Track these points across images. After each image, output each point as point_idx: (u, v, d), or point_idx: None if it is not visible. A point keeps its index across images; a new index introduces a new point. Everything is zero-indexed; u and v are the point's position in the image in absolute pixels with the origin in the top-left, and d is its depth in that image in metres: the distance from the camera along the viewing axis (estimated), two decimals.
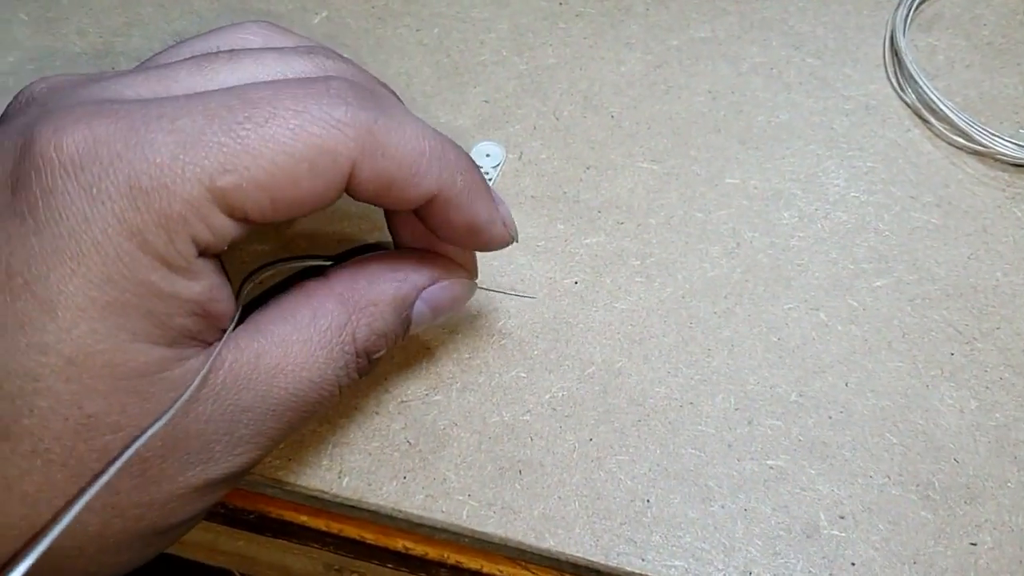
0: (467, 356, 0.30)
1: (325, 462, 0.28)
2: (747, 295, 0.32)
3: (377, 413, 0.29)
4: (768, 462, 0.28)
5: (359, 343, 0.23)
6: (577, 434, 0.28)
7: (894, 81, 0.39)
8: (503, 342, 0.30)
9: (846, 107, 0.39)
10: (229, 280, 0.24)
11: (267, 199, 0.20)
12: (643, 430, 0.29)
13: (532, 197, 0.34)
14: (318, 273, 0.25)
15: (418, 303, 0.25)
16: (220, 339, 0.21)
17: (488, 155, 0.35)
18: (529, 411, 0.29)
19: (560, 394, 0.29)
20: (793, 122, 0.37)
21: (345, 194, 0.22)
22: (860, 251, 0.33)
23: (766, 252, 0.33)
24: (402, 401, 0.29)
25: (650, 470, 0.28)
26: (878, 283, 0.32)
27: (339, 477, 0.28)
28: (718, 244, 0.33)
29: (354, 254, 0.27)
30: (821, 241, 0.33)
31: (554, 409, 0.29)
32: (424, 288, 0.25)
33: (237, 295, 0.25)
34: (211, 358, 0.21)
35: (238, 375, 0.21)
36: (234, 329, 0.22)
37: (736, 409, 0.29)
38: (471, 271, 0.27)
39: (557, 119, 0.37)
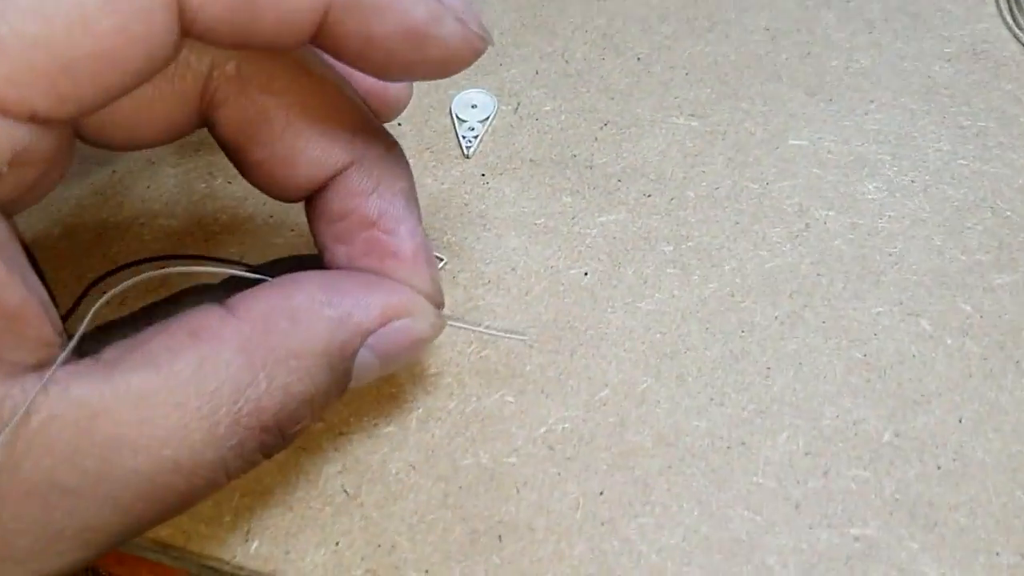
0: (433, 371, 0.26)
1: (227, 518, 0.24)
2: (820, 294, 0.28)
3: (304, 449, 0.25)
4: (852, 531, 0.23)
5: (267, 414, 0.19)
6: (582, 485, 0.24)
7: (1008, 18, 0.34)
8: (484, 352, 0.26)
9: (946, 51, 0.34)
10: (39, 272, 0.19)
11: (56, 68, 0.16)
12: (675, 482, 0.24)
13: (530, 161, 0.31)
14: (215, 296, 0.21)
15: (363, 351, 0.21)
16: (39, 373, 0.17)
17: (474, 106, 0.32)
18: (516, 451, 0.25)
19: (560, 428, 0.25)
20: (877, 69, 0.33)
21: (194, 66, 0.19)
22: (973, 237, 0.29)
23: (845, 236, 0.29)
24: (340, 433, 0.25)
25: (684, 540, 0.23)
26: (999, 280, 0.28)
27: (246, 540, 0.24)
28: (780, 225, 0.29)
29: (281, 270, 0.22)
30: (920, 223, 0.29)
31: (551, 448, 0.25)
32: (372, 331, 0.21)
33: (75, 304, 0.20)
34: (16, 404, 0.16)
35: (57, 438, 0.17)
36: (66, 362, 0.18)
37: (807, 454, 0.25)
38: (435, 296, 0.23)
39: (567, 62, 0.33)
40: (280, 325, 0.19)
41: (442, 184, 0.30)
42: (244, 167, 0.22)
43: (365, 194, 0.22)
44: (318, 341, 0.20)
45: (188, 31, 0.17)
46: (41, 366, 0.17)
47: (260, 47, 0.19)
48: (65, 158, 0.19)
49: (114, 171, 0.30)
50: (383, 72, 0.20)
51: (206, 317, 0.19)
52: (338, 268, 0.22)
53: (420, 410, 0.25)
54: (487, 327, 0.27)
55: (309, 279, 0.21)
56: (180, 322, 0.19)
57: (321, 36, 0.19)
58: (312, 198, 0.23)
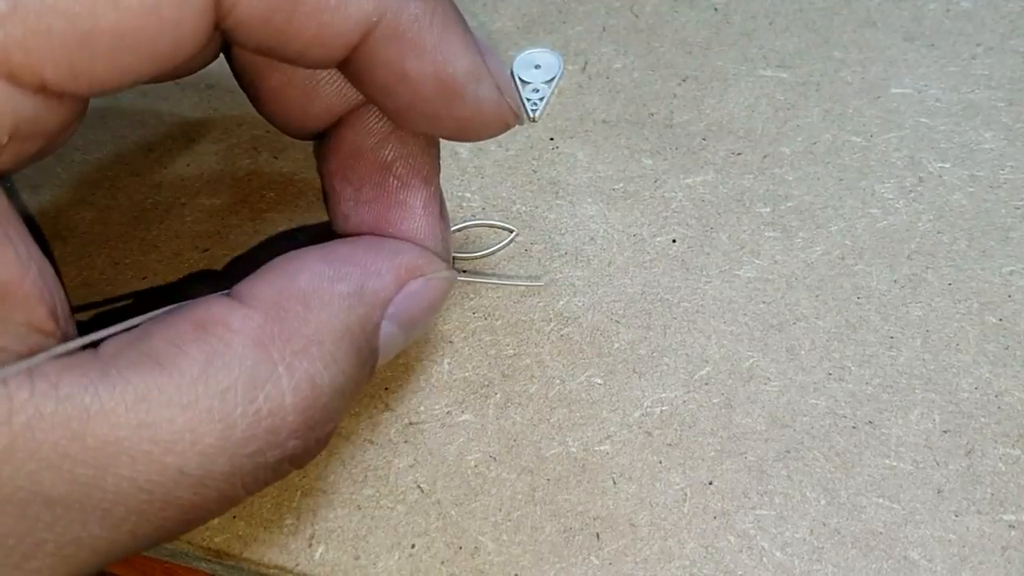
0: (511, 352, 0.24)
1: (289, 521, 0.22)
2: (943, 254, 0.25)
3: (371, 442, 0.23)
4: (1005, 517, 0.21)
5: (293, 413, 0.17)
6: (689, 474, 0.22)
7: None
8: (565, 330, 0.24)
9: None
10: (47, 251, 0.18)
11: (74, 38, 0.15)
12: (795, 468, 0.22)
13: (603, 122, 0.29)
14: (219, 284, 0.20)
15: (385, 324, 0.19)
16: (24, 358, 0.15)
17: (537, 66, 0.30)
18: (610, 438, 0.23)
19: (658, 411, 0.23)
20: (980, 11, 0.31)
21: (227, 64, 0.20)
22: None
23: (964, 190, 0.26)
24: (410, 423, 0.23)
25: (811, 533, 0.21)
26: None
27: (310, 545, 0.21)
28: (890, 180, 0.27)
29: (255, 260, 0.21)
30: None
31: (649, 434, 0.23)
32: (390, 299, 0.19)
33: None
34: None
35: (43, 441, 0.15)
36: (61, 355, 0.16)
37: (945, 432, 0.22)
38: (444, 253, 0.22)
39: (636, 16, 0.31)
40: (293, 310, 0.18)
41: (507, 151, 0.28)
42: (259, 96, 0.21)
43: (383, 133, 0.20)
44: (337, 322, 0.18)
45: (220, 24, 0.17)
46: (32, 355, 0.15)
47: (287, 59, 0.18)
48: (71, 131, 0.18)
49: (151, 150, 0.29)
50: (404, 115, 0.19)
51: (213, 307, 0.17)
52: (342, 214, 0.21)
53: (498, 395, 0.23)
54: (499, 277, 0.25)
55: (309, 255, 0.19)
56: (183, 314, 0.17)
57: (352, 60, 0.18)
58: (326, 134, 0.21)
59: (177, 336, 0.17)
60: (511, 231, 0.26)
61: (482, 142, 0.28)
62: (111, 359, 0.16)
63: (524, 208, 0.26)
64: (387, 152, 0.21)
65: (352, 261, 0.19)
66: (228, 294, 0.18)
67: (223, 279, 0.25)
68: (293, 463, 0.18)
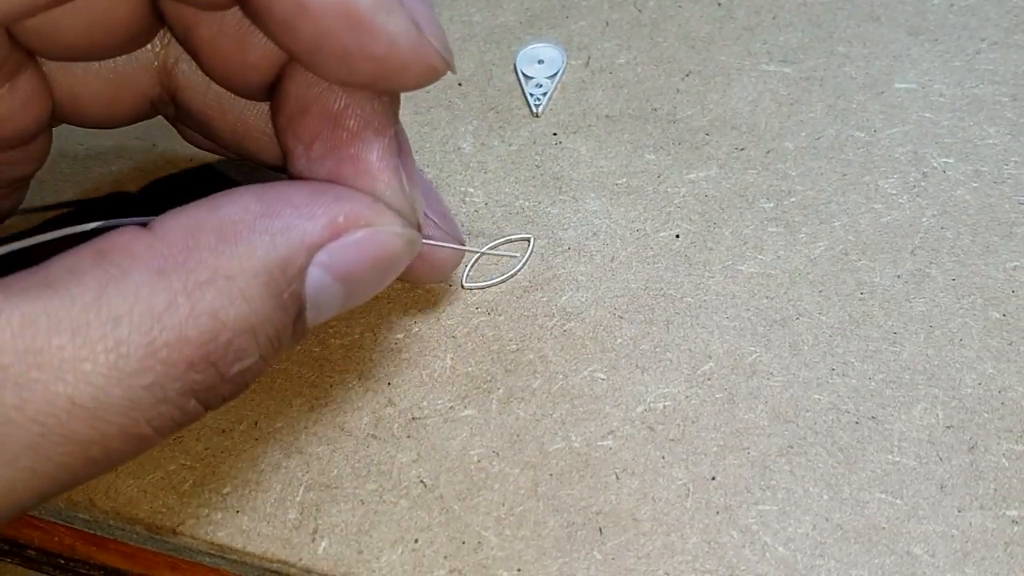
0: (513, 347, 0.24)
1: (292, 515, 0.22)
2: (946, 249, 0.25)
3: (374, 437, 0.23)
4: (1009, 512, 0.21)
5: (192, 345, 0.17)
6: (691, 469, 0.22)
7: None
8: (568, 326, 0.24)
9: None
10: None
11: None
12: (798, 463, 0.22)
13: (606, 117, 0.29)
14: None
15: (314, 270, 0.18)
16: None
17: (540, 61, 0.30)
18: (612, 433, 0.23)
19: (660, 406, 0.23)
20: (984, 5, 0.30)
21: None
22: None
23: (968, 185, 0.26)
24: (413, 418, 0.23)
25: (814, 528, 0.21)
26: None
27: (313, 540, 0.21)
28: (894, 175, 0.27)
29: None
30: None
31: (651, 429, 0.23)
32: (319, 244, 0.18)
33: None
34: None
35: None
36: None
37: (948, 427, 0.22)
38: (404, 208, 0.20)
39: (639, 10, 0.31)
40: (206, 241, 0.17)
41: (510, 146, 0.28)
42: (197, 51, 0.20)
43: (327, 82, 0.19)
44: (252, 258, 0.17)
45: None
46: None
47: None
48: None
49: (155, 144, 0.29)
50: (314, 58, 0.18)
51: (118, 236, 0.17)
52: (297, 174, 0.20)
53: (501, 390, 0.23)
54: (480, 246, 0.25)
55: (246, 191, 0.18)
56: (90, 243, 0.17)
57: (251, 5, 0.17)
58: (274, 90, 0.21)
59: (76, 263, 0.16)
60: (528, 239, 0.25)
61: (485, 137, 0.28)
62: (3, 286, 0.16)
63: (527, 203, 0.26)
64: (334, 103, 0.20)
65: (287, 200, 0.18)
66: (144, 225, 0.18)
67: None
68: (201, 400, 0.17)
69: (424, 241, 0.20)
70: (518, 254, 0.25)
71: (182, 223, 0.17)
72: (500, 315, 0.24)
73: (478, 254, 0.25)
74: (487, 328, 0.24)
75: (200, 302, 0.17)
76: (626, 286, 0.25)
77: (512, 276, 0.25)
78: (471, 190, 0.27)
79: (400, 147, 0.20)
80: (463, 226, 0.26)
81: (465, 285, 0.25)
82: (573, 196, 0.27)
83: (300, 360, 0.24)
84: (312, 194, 0.18)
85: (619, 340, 0.24)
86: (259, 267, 0.17)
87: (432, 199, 0.23)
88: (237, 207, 0.18)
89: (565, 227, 0.26)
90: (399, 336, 0.24)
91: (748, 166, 0.27)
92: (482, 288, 0.25)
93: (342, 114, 0.19)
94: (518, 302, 0.25)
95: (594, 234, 0.26)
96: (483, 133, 0.28)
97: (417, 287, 0.25)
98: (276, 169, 0.22)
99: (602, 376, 0.23)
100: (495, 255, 0.25)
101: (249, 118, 0.22)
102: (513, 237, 0.26)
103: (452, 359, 0.24)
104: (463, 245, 0.23)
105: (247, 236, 0.17)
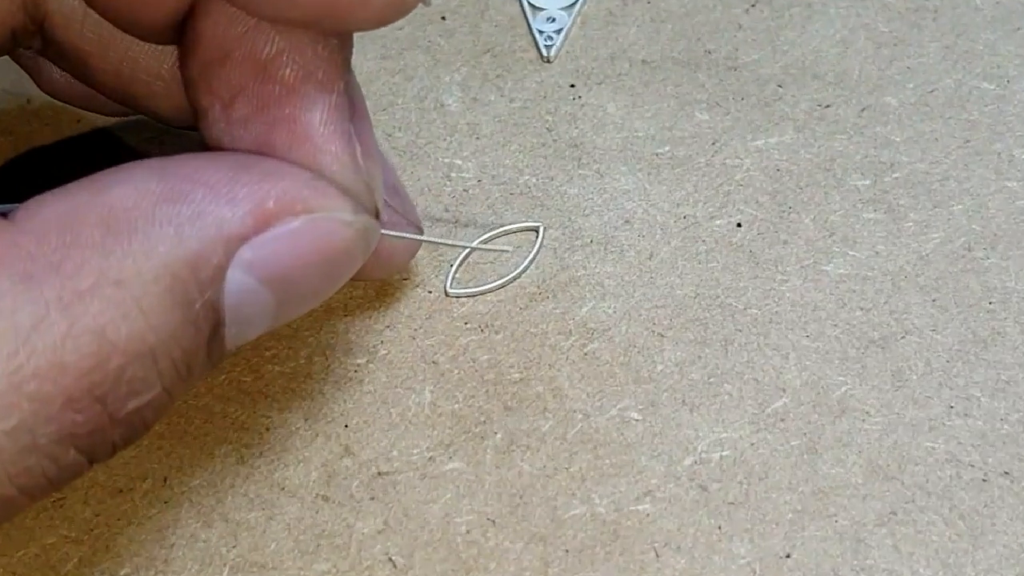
0: (515, 376, 0.25)
1: None
2: None
3: (325, 499, 0.24)
4: None
5: (72, 375, 0.17)
6: (758, 543, 0.23)
7: None
8: (591, 347, 0.25)
9: None
10: None
11: None
12: (904, 535, 0.22)
13: (642, 63, 0.30)
14: None
15: (235, 272, 0.19)
16: None
17: None
18: (651, 493, 0.23)
19: (716, 455, 0.24)
20: None
21: None
22: None
23: None
24: (379, 473, 0.24)
25: None
26: None
27: None
28: None
29: None
30: None
31: (704, 489, 0.23)
32: (244, 237, 0.19)
33: None
34: None
35: None
36: None
37: None
38: (355, 186, 0.21)
39: None
40: (88, 235, 0.18)
41: (512, 101, 0.29)
42: None
43: (253, 19, 0.20)
44: (151, 256, 0.18)
45: None
46: None
47: None
48: None
49: (29, 100, 0.30)
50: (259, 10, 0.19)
51: None
52: (213, 140, 0.21)
53: (499, 435, 0.24)
54: (471, 239, 0.26)
55: (143, 166, 0.19)
56: None
57: None
58: (183, 30, 0.21)
59: None
60: (536, 229, 0.26)
61: (477, 90, 0.29)
62: None
63: (535, 180, 0.27)
64: (263, 47, 0.20)
65: (198, 178, 0.19)
66: (6, 213, 0.18)
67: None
68: (84, 450, 0.18)
69: (384, 232, 0.21)
70: (511, 248, 0.26)
71: (58, 212, 0.18)
72: (498, 332, 0.25)
73: (467, 249, 0.26)
74: (480, 350, 0.25)
75: (81, 317, 0.17)
76: (669, 293, 0.25)
77: (514, 279, 0.25)
78: (458, 162, 0.27)
79: (352, 107, 0.20)
80: (448, 211, 0.27)
81: (450, 291, 0.25)
82: (597, 170, 0.27)
83: (225, 394, 0.25)
84: (233, 170, 0.19)
85: (660, 367, 0.24)
86: (160, 269, 0.18)
87: (386, 170, 0.24)
88: (131, 188, 0.18)
89: (586, 212, 0.27)
90: (359, 361, 0.25)
91: (836, 129, 0.28)
92: (473, 295, 0.25)
93: (275, 62, 0.20)
94: (522, 314, 0.25)
95: (626, 222, 0.26)
96: (475, 84, 0.29)
97: (363, 282, 0.25)
98: (182, 128, 0.23)
99: (636, 416, 0.24)
100: (490, 251, 0.26)
101: (140, 56, 0.22)
102: (515, 226, 0.26)
103: (432, 392, 0.24)
104: (420, 232, 0.24)
105: (144, 228, 0.18)
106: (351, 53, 0.21)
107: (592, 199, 0.27)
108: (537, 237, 0.26)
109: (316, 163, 0.20)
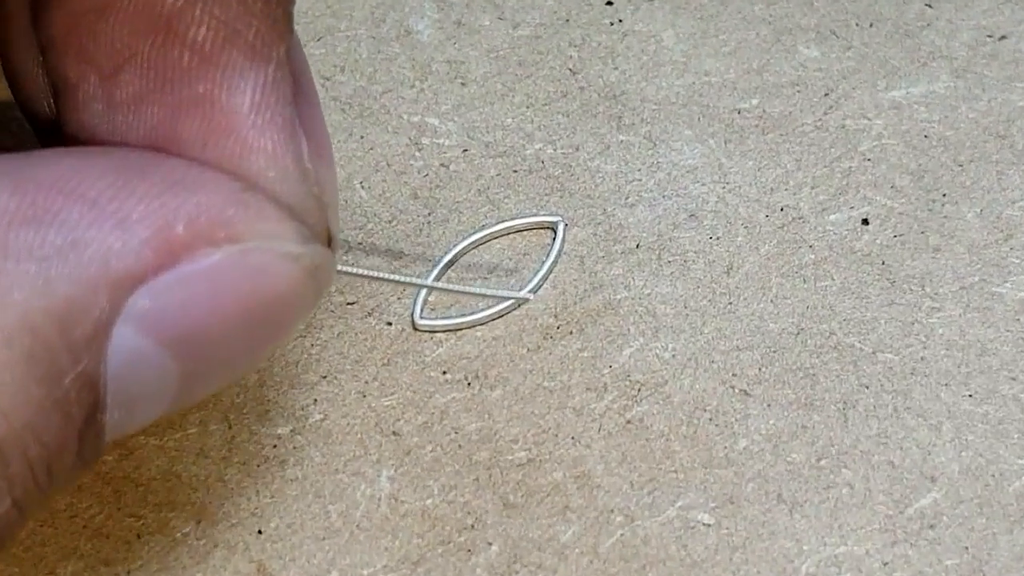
0: (519, 454, 0.25)
1: None
2: None
3: None
4: None
5: None
6: None
7: None
8: (635, 411, 0.25)
9: None
10: None
11: None
12: None
13: None
14: None
15: (123, 330, 0.20)
16: None
17: None
18: None
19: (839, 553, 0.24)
20: None
21: None
22: None
23: None
24: None
25: None
26: None
27: None
28: None
29: None
30: None
31: None
32: (138, 278, 0.19)
33: None
34: None
35: None
36: None
37: None
38: (302, 202, 0.22)
39: None
40: None
41: (516, 27, 0.30)
42: None
43: None
44: (2, 307, 0.19)
45: None
46: None
47: None
48: None
49: None
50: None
51: None
52: (83, 126, 0.22)
53: (494, 547, 0.25)
54: (456, 285, 0.27)
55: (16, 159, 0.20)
56: None
57: None
58: None
59: None
60: (553, 225, 0.27)
61: (462, 11, 0.29)
62: None
63: (551, 151, 0.27)
64: None
65: (71, 189, 0.19)
66: None
67: None
68: None
69: (342, 269, 0.22)
70: (508, 261, 0.26)
71: None
72: (493, 387, 0.25)
73: (444, 258, 0.26)
74: (466, 415, 0.25)
75: None
76: (758, 328, 0.26)
77: (518, 304, 0.26)
78: (433, 121, 0.28)
79: (297, 84, 0.21)
80: (417, 198, 0.27)
81: (420, 323, 0.26)
82: (647, 135, 0.28)
83: (88, 487, 0.25)
84: (121, 176, 0.20)
85: (743, 443, 0.25)
86: (15, 325, 0.19)
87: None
88: None
89: (630, 201, 0.27)
90: (281, 431, 0.25)
91: (1014, 75, 0.28)
92: (456, 329, 0.26)
93: (183, 14, 0.20)
94: (531, 360, 0.26)
95: (691, 216, 0.27)
96: (458, 2, 0.29)
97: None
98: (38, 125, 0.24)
99: (707, 519, 0.24)
100: (479, 260, 0.26)
101: None
102: (522, 222, 0.27)
103: (392, 481, 0.25)
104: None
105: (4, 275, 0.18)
106: (293, 4, 0.21)
107: (639, 180, 0.27)
108: (555, 238, 0.26)
109: (245, 167, 0.21)
